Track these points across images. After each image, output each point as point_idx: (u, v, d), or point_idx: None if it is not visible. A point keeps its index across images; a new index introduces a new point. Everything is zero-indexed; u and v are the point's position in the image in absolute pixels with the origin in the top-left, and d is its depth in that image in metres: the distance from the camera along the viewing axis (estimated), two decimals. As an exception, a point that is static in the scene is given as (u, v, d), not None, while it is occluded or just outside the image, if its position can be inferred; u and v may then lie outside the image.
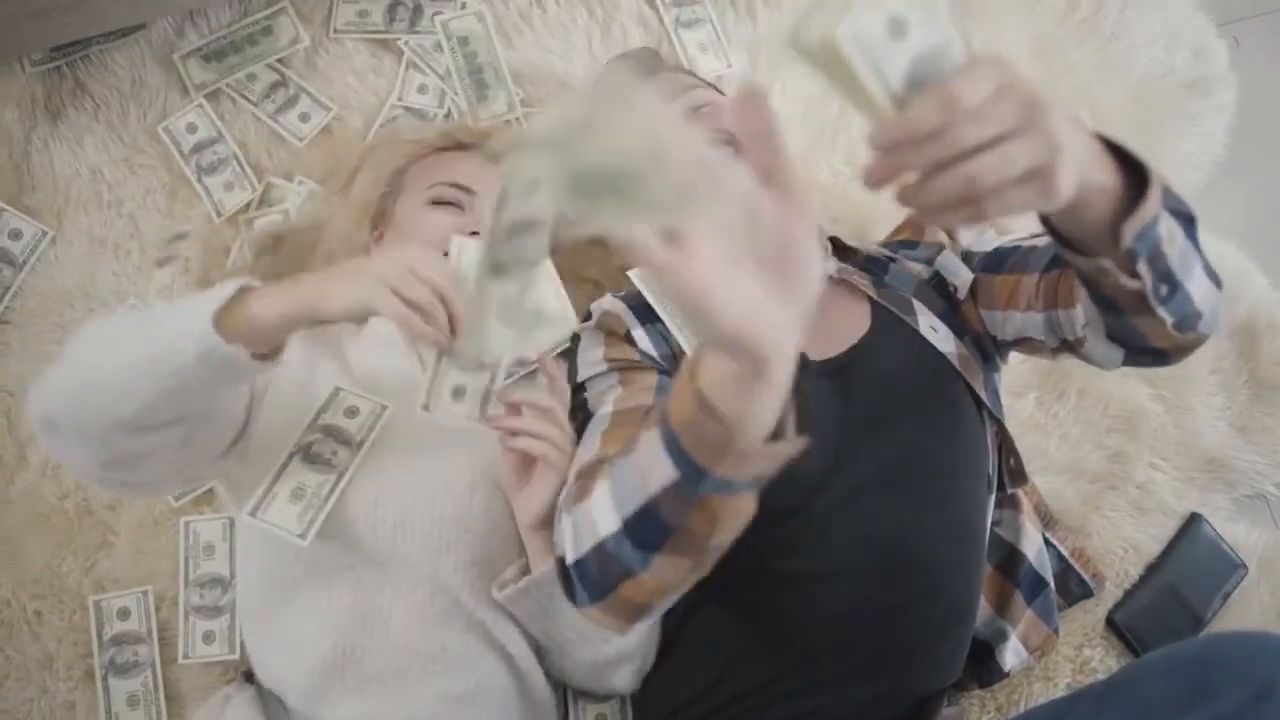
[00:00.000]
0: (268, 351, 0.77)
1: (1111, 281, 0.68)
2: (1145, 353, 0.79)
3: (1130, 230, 0.62)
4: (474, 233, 0.97)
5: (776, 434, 0.56)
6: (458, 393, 0.87)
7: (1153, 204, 0.62)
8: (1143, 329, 0.75)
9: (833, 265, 1.02)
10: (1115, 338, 0.79)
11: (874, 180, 0.54)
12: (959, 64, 0.51)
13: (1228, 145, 1.36)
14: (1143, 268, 0.65)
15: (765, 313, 0.48)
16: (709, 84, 1.15)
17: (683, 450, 0.56)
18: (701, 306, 0.46)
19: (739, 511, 0.60)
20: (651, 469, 0.59)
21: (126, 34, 1.24)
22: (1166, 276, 0.67)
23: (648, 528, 0.62)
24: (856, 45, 0.48)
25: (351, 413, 0.90)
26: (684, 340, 0.89)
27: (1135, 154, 0.63)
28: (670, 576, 0.65)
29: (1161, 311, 0.69)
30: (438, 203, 1.03)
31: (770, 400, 0.52)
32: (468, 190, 1.04)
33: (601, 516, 0.65)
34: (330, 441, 0.88)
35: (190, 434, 0.81)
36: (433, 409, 0.85)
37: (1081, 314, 0.81)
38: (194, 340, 0.72)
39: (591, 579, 0.67)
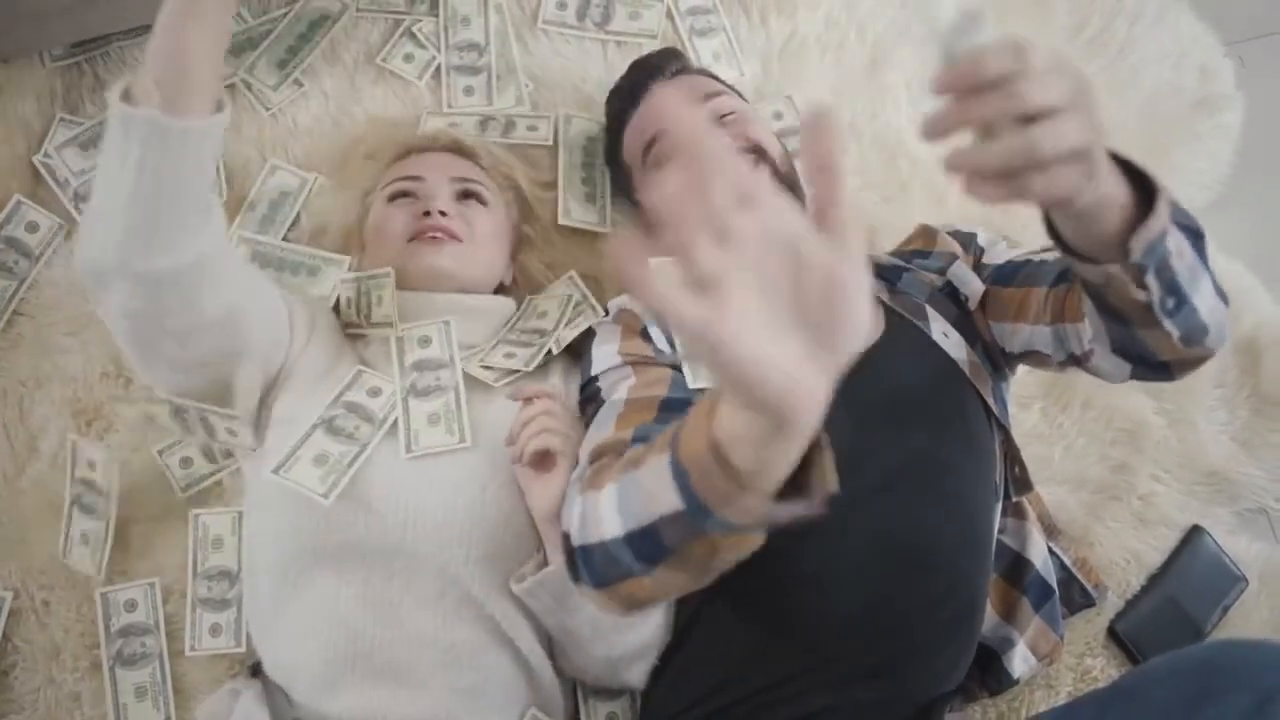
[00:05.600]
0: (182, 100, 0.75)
1: (1119, 290, 0.68)
2: (1150, 367, 0.80)
3: (1139, 244, 0.63)
4: None
5: (795, 489, 0.53)
6: (433, 419, 0.92)
7: (1160, 218, 0.63)
8: (1149, 342, 0.75)
9: None
10: (1121, 351, 0.80)
11: (933, 130, 0.54)
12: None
13: (1234, 164, 1.38)
14: (1150, 280, 0.66)
15: (802, 376, 0.43)
16: (731, 88, 1.16)
17: (690, 486, 0.54)
18: (735, 372, 0.42)
19: (744, 546, 0.58)
20: (658, 493, 0.58)
21: (146, 31, 1.24)
22: (1174, 289, 0.68)
23: (649, 545, 0.61)
24: None
25: (374, 393, 0.93)
26: (686, 365, 0.90)
27: (1144, 168, 0.64)
28: (671, 584, 0.65)
29: (1168, 324, 0.70)
30: (394, 197, 1.08)
31: (788, 456, 0.49)
32: (417, 178, 1.09)
33: (607, 518, 0.65)
34: (353, 417, 0.91)
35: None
36: (415, 447, 0.91)
37: (1089, 328, 0.82)
38: (116, 124, 0.75)
39: (594, 568, 0.68)
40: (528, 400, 0.92)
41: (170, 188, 0.76)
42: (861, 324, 0.44)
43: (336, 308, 1.07)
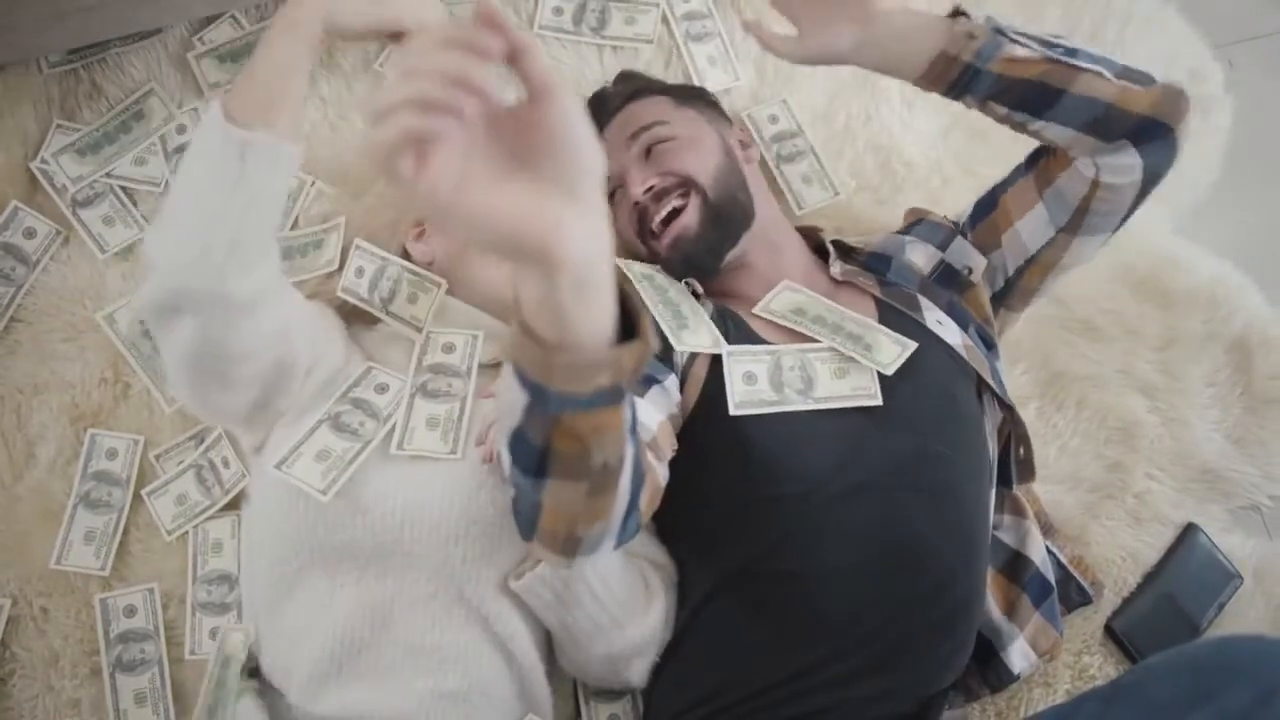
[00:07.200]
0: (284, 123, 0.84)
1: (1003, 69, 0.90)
2: (1141, 129, 0.90)
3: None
4: None
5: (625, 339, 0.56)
6: (432, 423, 0.92)
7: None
8: (1097, 91, 0.90)
9: (838, 268, 1.05)
10: (1102, 132, 0.90)
11: None
12: None
13: (1223, 165, 1.39)
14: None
15: (533, 209, 0.47)
16: (709, 99, 1.16)
17: (524, 374, 0.57)
18: (456, 218, 0.46)
19: (603, 427, 0.60)
20: (511, 397, 0.60)
21: (143, 37, 1.26)
22: (1047, 43, 0.93)
23: (524, 452, 0.63)
24: None
25: (381, 389, 0.93)
26: (667, 330, 0.91)
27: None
28: (570, 501, 0.65)
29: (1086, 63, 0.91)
30: None
31: (580, 308, 0.52)
32: None
33: (502, 453, 0.67)
34: (359, 413, 0.91)
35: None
36: (406, 446, 0.90)
37: (1081, 149, 0.92)
38: (229, 149, 0.80)
39: (519, 515, 0.71)
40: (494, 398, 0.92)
41: (268, 209, 0.84)
42: (588, 160, 0.49)
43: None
